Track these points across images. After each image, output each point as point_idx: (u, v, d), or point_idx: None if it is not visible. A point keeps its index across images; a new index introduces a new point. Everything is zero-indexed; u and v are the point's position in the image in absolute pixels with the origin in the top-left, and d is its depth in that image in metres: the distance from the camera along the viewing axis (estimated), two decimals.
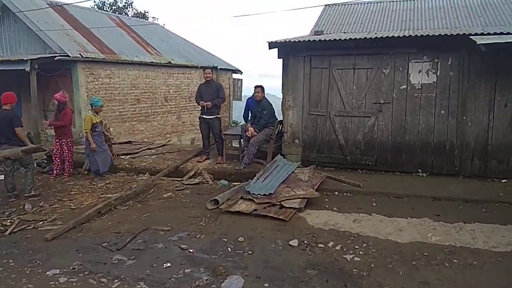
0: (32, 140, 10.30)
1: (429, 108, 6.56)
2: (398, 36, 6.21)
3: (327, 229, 4.66)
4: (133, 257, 4.06)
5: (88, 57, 10.68)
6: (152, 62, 12.90)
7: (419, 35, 6.15)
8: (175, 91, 14.15)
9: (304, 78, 7.17)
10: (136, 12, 25.01)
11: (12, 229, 4.90)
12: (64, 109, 7.47)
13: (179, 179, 7.23)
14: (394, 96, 6.68)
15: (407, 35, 6.18)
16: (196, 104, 8.00)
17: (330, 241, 4.30)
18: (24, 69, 9.80)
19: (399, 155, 6.79)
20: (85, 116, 7.60)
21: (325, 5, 10.94)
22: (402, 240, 4.32)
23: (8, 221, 5.25)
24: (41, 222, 5.16)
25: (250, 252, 4.11)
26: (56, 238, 4.57)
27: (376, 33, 7.25)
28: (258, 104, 7.45)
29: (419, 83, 6.55)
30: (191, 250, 4.18)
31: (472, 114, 6.38)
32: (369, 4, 10.47)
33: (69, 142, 7.50)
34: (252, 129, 7.25)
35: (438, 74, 6.46)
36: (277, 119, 7.50)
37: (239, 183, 6.91)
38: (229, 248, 4.22)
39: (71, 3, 13.26)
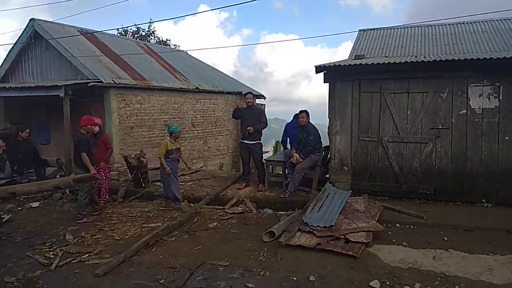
0: (61, 166, 10.14)
1: (492, 134, 6.14)
2: (459, 59, 5.90)
3: (407, 267, 4.19)
4: None
5: (121, 83, 10.61)
6: (181, 88, 12.83)
7: (481, 58, 5.84)
8: (202, 116, 13.99)
9: (353, 103, 6.86)
10: (158, 39, 25.41)
11: (58, 263, 4.56)
12: (103, 134, 7.27)
13: (221, 207, 6.86)
14: (453, 121, 6.30)
15: (468, 58, 5.88)
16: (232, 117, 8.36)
17: (415, 282, 3.83)
18: (58, 95, 9.72)
19: (460, 183, 6.32)
20: (162, 141, 7.42)
21: (360, 30, 10.81)
22: (497, 281, 3.83)
23: (51, 253, 4.92)
24: (87, 255, 4.80)
25: None
26: (108, 273, 4.20)
27: (427, 56, 6.98)
28: (302, 129, 7.16)
29: (479, 107, 6.17)
30: None
31: None
32: (407, 28, 10.28)
33: (106, 168, 7.24)
34: (297, 155, 6.93)
35: (500, 99, 6.09)
36: (322, 144, 7.18)
37: (285, 212, 6.54)
38: None
39: (99, 31, 13.43)
